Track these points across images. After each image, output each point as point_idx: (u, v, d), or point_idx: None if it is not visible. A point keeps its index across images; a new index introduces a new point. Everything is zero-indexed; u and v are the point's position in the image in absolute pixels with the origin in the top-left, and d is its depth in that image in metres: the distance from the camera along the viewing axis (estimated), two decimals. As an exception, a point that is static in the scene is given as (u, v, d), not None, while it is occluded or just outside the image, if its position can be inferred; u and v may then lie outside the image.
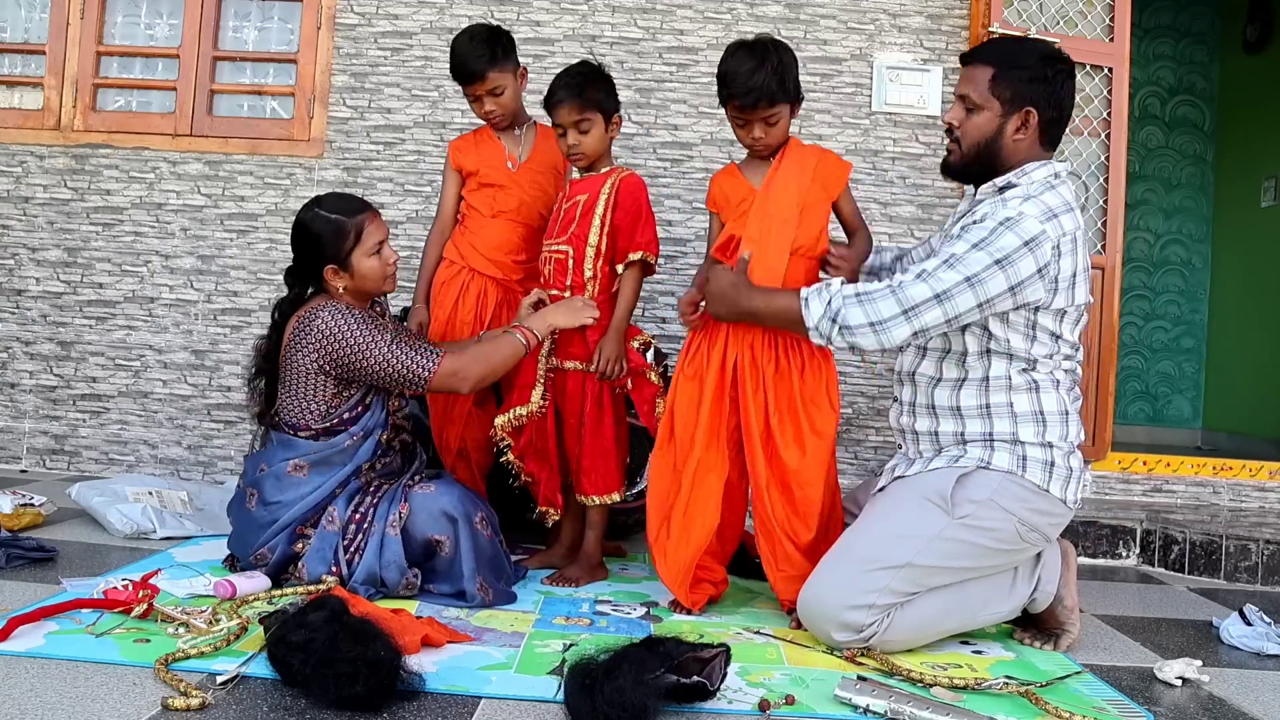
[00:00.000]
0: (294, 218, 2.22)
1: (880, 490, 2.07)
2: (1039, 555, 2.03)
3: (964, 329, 1.95)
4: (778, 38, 2.21)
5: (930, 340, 2.01)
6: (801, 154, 2.19)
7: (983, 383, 1.97)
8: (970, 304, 1.84)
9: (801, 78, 2.20)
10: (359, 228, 2.16)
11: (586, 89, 2.29)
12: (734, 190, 2.22)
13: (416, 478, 2.20)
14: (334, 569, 2.05)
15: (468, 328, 2.51)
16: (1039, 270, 1.84)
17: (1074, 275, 1.90)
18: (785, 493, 2.09)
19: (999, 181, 1.99)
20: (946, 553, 1.88)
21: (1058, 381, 1.98)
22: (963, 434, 1.99)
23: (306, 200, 2.26)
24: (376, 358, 2.08)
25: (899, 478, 2.05)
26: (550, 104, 2.32)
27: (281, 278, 2.33)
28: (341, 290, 2.18)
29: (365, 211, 2.20)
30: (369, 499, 2.12)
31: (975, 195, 2.05)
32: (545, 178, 2.59)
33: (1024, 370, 1.95)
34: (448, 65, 2.45)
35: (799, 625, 2.03)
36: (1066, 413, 1.97)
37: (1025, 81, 1.95)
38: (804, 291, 1.94)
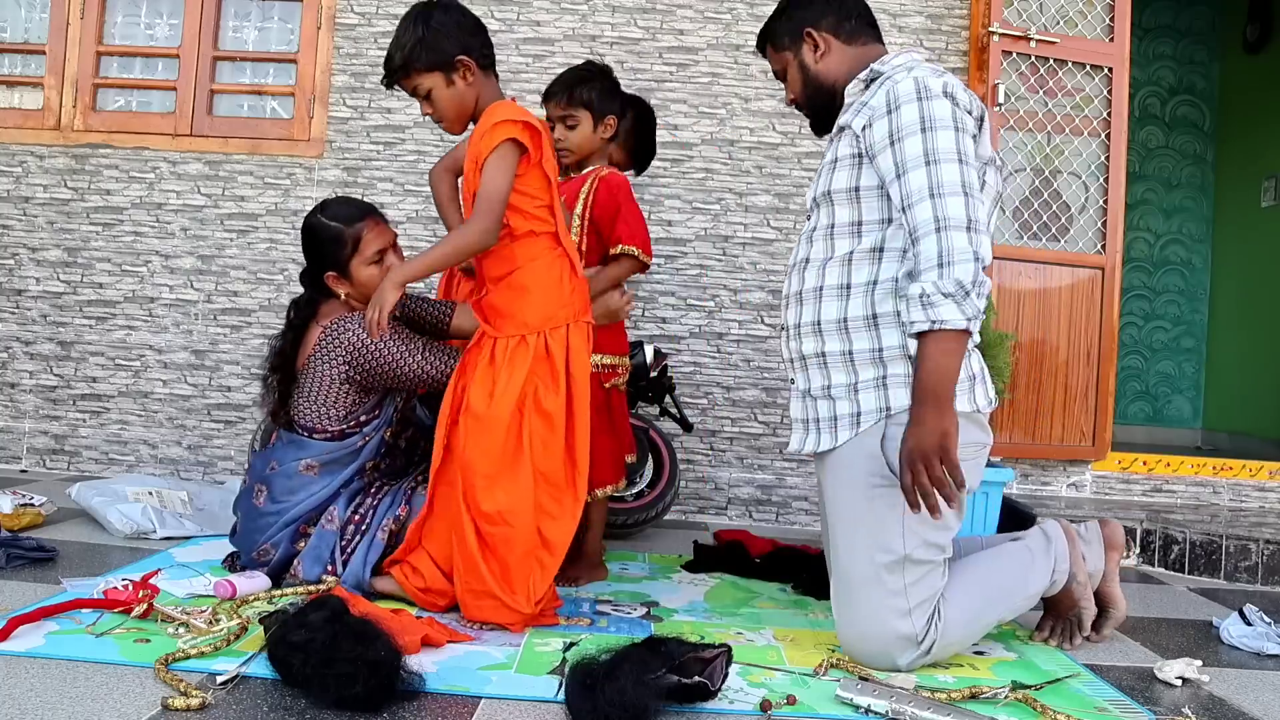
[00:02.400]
0: (300, 219, 2.24)
1: (817, 463, 1.93)
2: (1046, 535, 2.01)
3: (859, 228, 1.83)
4: None
5: (818, 219, 1.90)
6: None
7: (873, 255, 1.80)
8: (967, 200, 1.69)
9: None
10: (356, 236, 2.15)
11: (577, 87, 2.32)
12: None
13: (421, 477, 2.18)
14: (329, 569, 2.05)
15: None
16: (971, 131, 1.76)
17: (974, 132, 1.80)
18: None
19: (862, 75, 1.89)
20: (927, 526, 1.76)
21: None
22: (850, 353, 1.81)
23: (307, 200, 2.27)
24: (411, 367, 2.08)
25: (815, 458, 1.92)
26: (542, 98, 2.38)
27: (279, 277, 2.33)
28: (344, 296, 2.18)
29: (365, 219, 2.17)
30: (369, 500, 2.12)
31: (857, 144, 1.85)
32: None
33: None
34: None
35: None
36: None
37: (786, 19, 1.98)
38: (917, 325, 1.68)
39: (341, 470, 2.13)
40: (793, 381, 1.97)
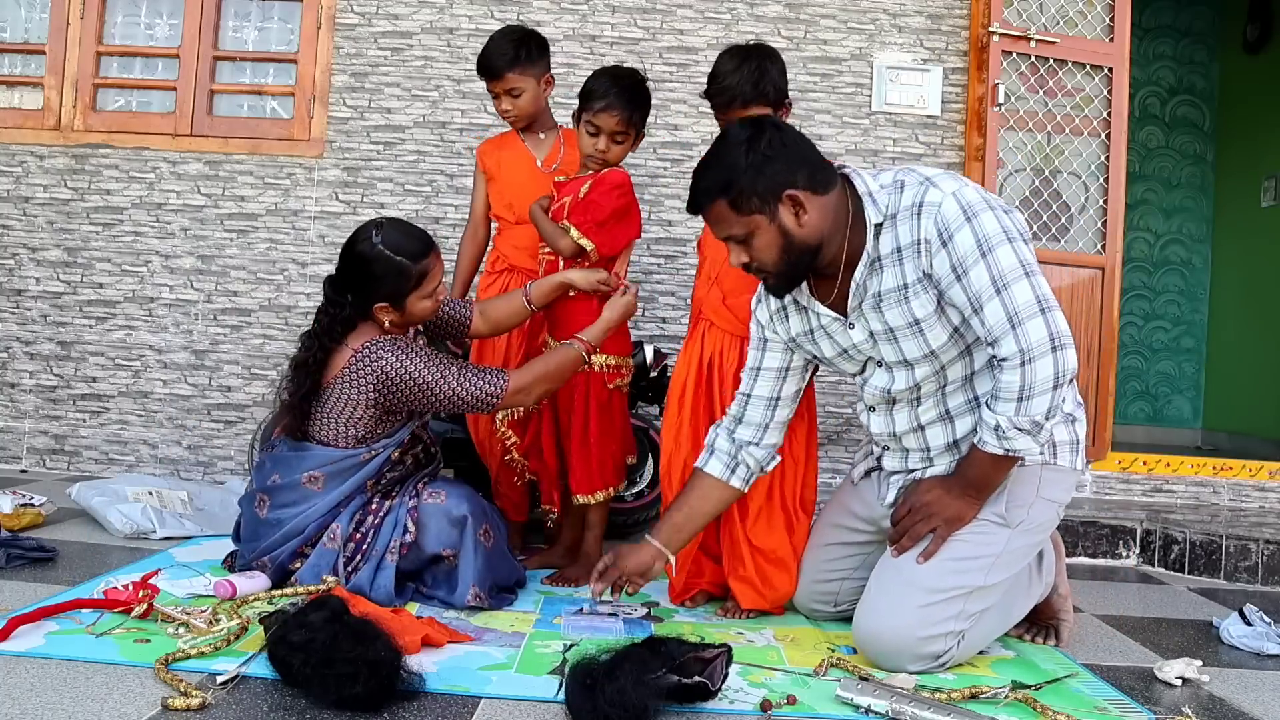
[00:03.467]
0: (350, 239, 2.10)
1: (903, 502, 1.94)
2: (1041, 551, 2.02)
3: (929, 339, 1.79)
4: (770, 43, 2.23)
5: (898, 378, 1.86)
6: None
7: (965, 381, 1.83)
8: (1035, 294, 1.66)
9: (801, 78, 2.21)
10: (423, 272, 2.07)
11: (637, 110, 2.31)
12: None
13: (423, 482, 2.14)
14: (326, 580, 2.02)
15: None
16: (1020, 234, 1.70)
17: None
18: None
19: (870, 252, 1.77)
20: (1009, 563, 1.84)
21: None
22: (956, 442, 1.87)
23: (306, 200, 2.22)
24: (445, 391, 2.05)
25: (912, 479, 1.95)
26: (597, 105, 2.28)
27: (279, 277, 2.31)
28: (387, 325, 2.11)
29: (429, 254, 2.08)
30: (371, 518, 2.07)
31: (833, 294, 1.83)
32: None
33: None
34: (448, 65, 2.46)
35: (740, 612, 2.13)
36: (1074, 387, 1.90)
37: (755, 178, 1.72)
38: (988, 447, 1.72)
39: (344, 483, 2.07)
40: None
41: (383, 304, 2.07)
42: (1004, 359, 1.66)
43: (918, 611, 1.77)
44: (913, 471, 1.94)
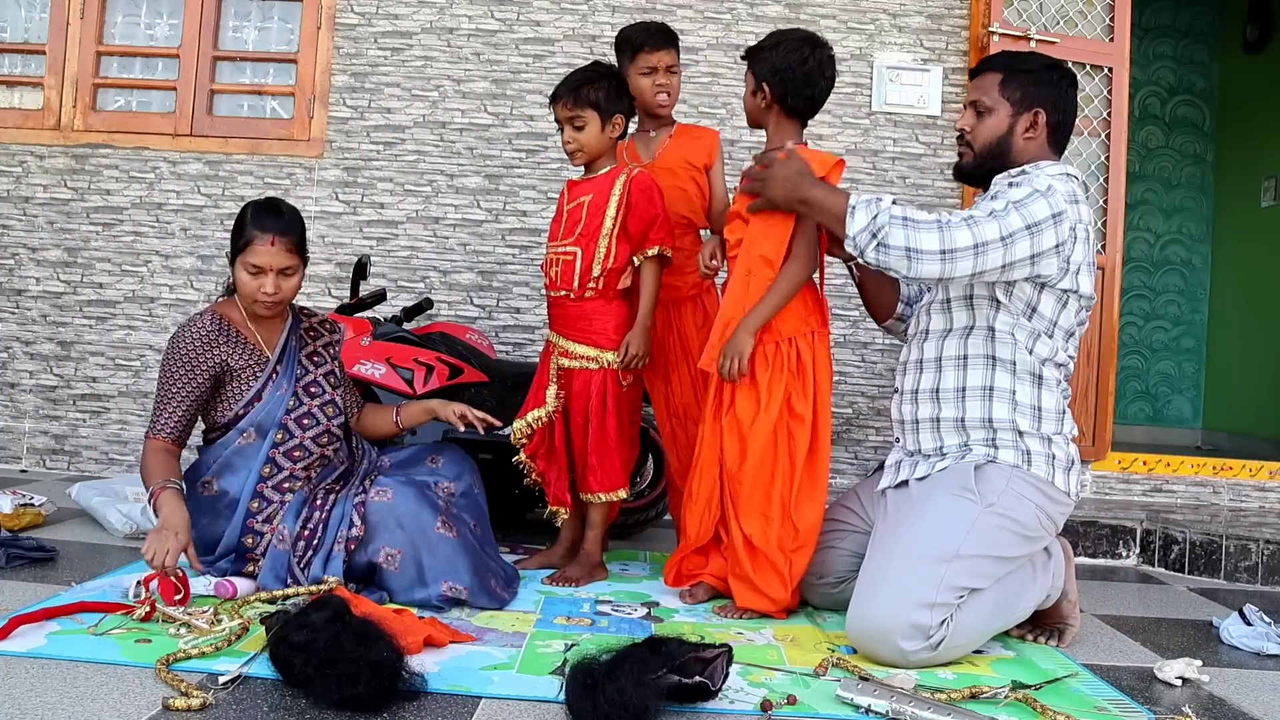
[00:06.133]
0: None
1: (892, 488, 2.08)
2: (1048, 551, 2.04)
3: (971, 303, 2.03)
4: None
5: (933, 315, 2.10)
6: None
7: (988, 335, 2.00)
8: (997, 263, 1.87)
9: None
10: (249, 240, 2.05)
11: (583, 88, 2.30)
12: None
13: (369, 480, 2.14)
14: (288, 584, 2.01)
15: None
16: (1057, 245, 1.89)
17: (1081, 263, 1.94)
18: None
19: (1013, 172, 2.03)
20: (987, 540, 1.88)
21: (1058, 381, 2.00)
22: (963, 420, 2.00)
23: (307, 200, 2.24)
24: (158, 389, 2.08)
25: (903, 482, 2.05)
26: (550, 100, 2.37)
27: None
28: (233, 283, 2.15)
29: (265, 234, 2.04)
30: (317, 514, 2.08)
31: (989, 193, 2.07)
32: (680, 175, 2.50)
33: (1027, 352, 1.98)
34: (448, 65, 2.45)
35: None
36: (1063, 412, 2.01)
37: (1033, 84, 2.03)
38: (854, 200, 1.96)
39: (237, 475, 2.09)
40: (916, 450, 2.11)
41: (229, 254, 2.13)
42: (956, 213, 1.93)
43: (898, 577, 1.84)
44: (912, 455, 2.09)
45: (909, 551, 1.87)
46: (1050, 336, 1.98)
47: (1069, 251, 1.91)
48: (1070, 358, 2.03)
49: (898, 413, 2.15)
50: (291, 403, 2.13)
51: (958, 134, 2.12)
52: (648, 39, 2.47)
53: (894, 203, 1.94)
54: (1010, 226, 1.86)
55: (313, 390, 2.18)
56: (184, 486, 2.04)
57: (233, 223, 2.13)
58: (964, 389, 2.01)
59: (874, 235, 1.90)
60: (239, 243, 2.07)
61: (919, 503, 1.98)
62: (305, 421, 2.14)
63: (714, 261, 2.32)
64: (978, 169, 2.09)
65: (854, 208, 1.94)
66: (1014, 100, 2.03)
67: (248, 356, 2.12)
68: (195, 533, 1.98)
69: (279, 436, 2.10)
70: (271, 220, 2.07)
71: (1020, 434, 1.96)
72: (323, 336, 2.27)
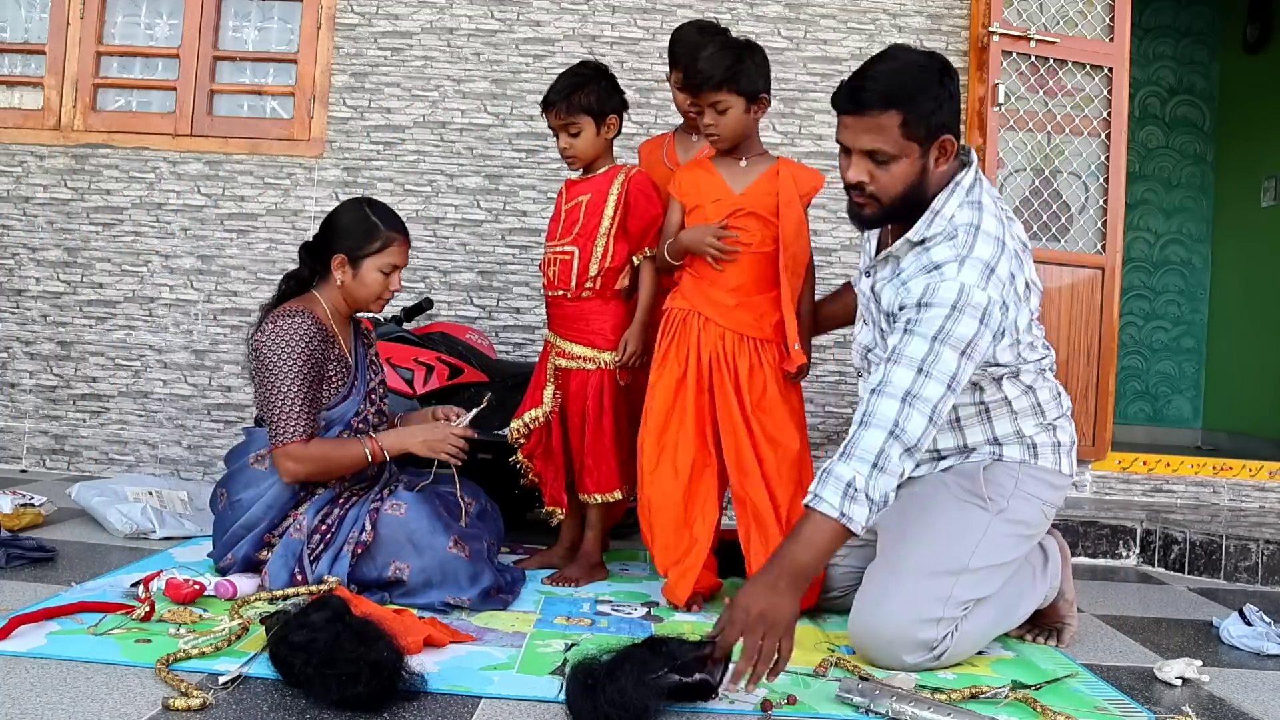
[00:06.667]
0: (300, 219, 2.21)
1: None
2: (1045, 553, 2.04)
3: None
4: (770, 43, 2.23)
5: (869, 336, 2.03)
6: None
7: (975, 401, 1.92)
8: (953, 399, 1.69)
9: (801, 77, 2.21)
10: (388, 242, 2.15)
11: (574, 94, 2.29)
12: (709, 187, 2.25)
13: (388, 490, 2.14)
14: (296, 575, 2.01)
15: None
16: (994, 335, 1.72)
17: (1023, 291, 1.80)
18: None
19: (912, 236, 1.81)
20: (995, 550, 1.85)
21: (1042, 371, 1.94)
22: (965, 445, 1.97)
23: (307, 200, 2.25)
24: (272, 397, 2.03)
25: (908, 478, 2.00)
26: (542, 107, 2.36)
27: (279, 277, 2.33)
28: (339, 283, 2.16)
29: (401, 234, 2.18)
30: (336, 510, 2.08)
31: (887, 246, 1.89)
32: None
33: (1012, 376, 1.89)
34: (448, 65, 2.45)
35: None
36: (1059, 392, 1.98)
37: (933, 109, 1.72)
38: (835, 508, 1.60)
39: None
40: None
41: (341, 255, 2.13)
42: (886, 384, 1.67)
43: (905, 593, 1.79)
44: None
45: (917, 566, 1.82)
46: (1026, 362, 1.86)
47: (1010, 320, 1.74)
48: (1045, 345, 1.94)
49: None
50: (361, 405, 2.18)
51: (851, 185, 1.78)
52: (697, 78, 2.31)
53: (849, 483, 1.60)
54: (947, 368, 1.65)
55: (372, 397, 2.23)
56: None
57: (332, 224, 2.18)
58: (957, 420, 1.95)
59: (881, 502, 1.64)
60: (371, 244, 2.12)
61: (927, 508, 1.91)
62: (360, 426, 2.17)
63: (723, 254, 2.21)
64: (887, 219, 1.84)
65: (843, 514, 1.60)
66: (920, 138, 1.72)
67: (337, 356, 2.16)
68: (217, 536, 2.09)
69: (341, 434, 2.14)
70: (397, 220, 2.19)
71: (1024, 434, 1.95)
72: (371, 343, 2.32)
